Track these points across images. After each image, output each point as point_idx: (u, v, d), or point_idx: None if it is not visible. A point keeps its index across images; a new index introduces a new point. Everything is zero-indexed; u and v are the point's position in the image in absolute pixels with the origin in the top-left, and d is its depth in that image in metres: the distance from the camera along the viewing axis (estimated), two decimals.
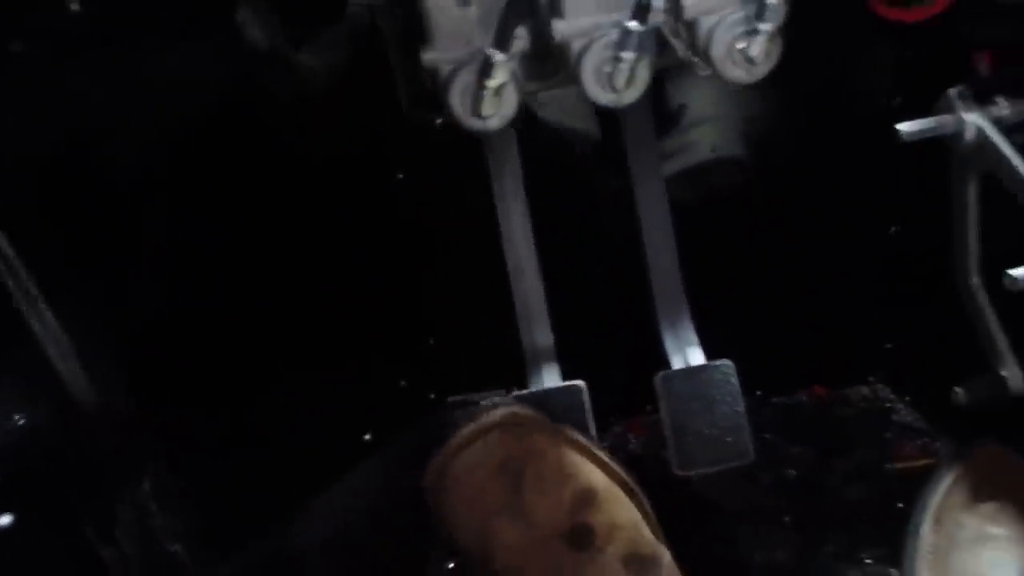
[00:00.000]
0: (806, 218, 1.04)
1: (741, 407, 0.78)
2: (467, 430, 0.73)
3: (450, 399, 1.10)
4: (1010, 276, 0.69)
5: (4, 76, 0.63)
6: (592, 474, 0.72)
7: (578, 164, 0.98)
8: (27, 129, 0.61)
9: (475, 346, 1.03)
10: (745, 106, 1.02)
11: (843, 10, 0.79)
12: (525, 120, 0.88)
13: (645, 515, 0.72)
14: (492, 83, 0.59)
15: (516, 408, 0.73)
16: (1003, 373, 0.79)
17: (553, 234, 0.86)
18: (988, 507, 0.76)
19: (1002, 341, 0.80)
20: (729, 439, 0.78)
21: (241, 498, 0.79)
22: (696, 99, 1.00)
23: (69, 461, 0.59)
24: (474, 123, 0.62)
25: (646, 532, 0.71)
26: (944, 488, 0.79)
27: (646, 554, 0.70)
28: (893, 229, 1.05)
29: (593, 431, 0.78)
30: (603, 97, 0.62)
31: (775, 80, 0.98)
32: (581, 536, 0.69)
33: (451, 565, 0.92)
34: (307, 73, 0.57)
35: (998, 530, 0.75)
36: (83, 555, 0.60)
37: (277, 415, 0.89)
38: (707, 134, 1.01)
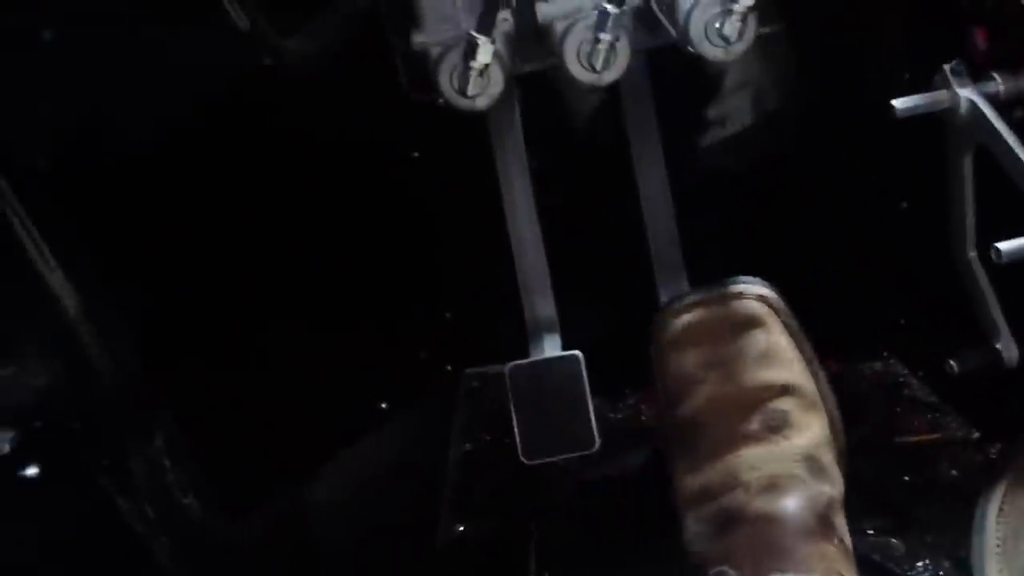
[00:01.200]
0: (821, 193, 1.05)
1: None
2: (729, 288, 0.75)
3: (467, 371, 1.15)
4: (996, 248, 0.70)
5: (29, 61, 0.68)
6: (807, 379, 0.74)
7: (583, 141, 1.00)
8: (41, 111, 0.65)
9: (491, 320, 1.06)
10: (772, 77, 1.03)
11: None
12: (529, 97, 0.92)
13: (838, 445, 0.75)
14: (476, 64, 0.62)
15: (771, 293, 0.76)
16: (997, 345, 0.80)
17: (558, 210, 0.89)
18: None
19: (997, 314, 0.81)
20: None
21: (254, 458, 0.84)
22: (732, 68, 1.01)
23: (84, 417, 0.63)
24: (462, 102, 0.65)
25: (830, 448, 0.73)
26: (1006, 479, 0.78)
27: (822, 460, 0.71)
28: (904, 204, 1.05)
29: (590, 401, 0.80)
30: (584, 77, 0.64)
31: (797, 51, 1.01)
32: (773, 419, 0.71)
33: (460, 528, 0.97)
34: (299, 59, 0.61)
35: None
36: (102, 506, 0.65)
37: (294, 380, 0.93)
38: (744, 102, 1.02)
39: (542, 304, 0.85)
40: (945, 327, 0.98)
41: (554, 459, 0.80)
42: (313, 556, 0.88)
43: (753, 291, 0.75)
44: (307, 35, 0.63)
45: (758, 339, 0.73)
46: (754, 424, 0.70)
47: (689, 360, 0.74)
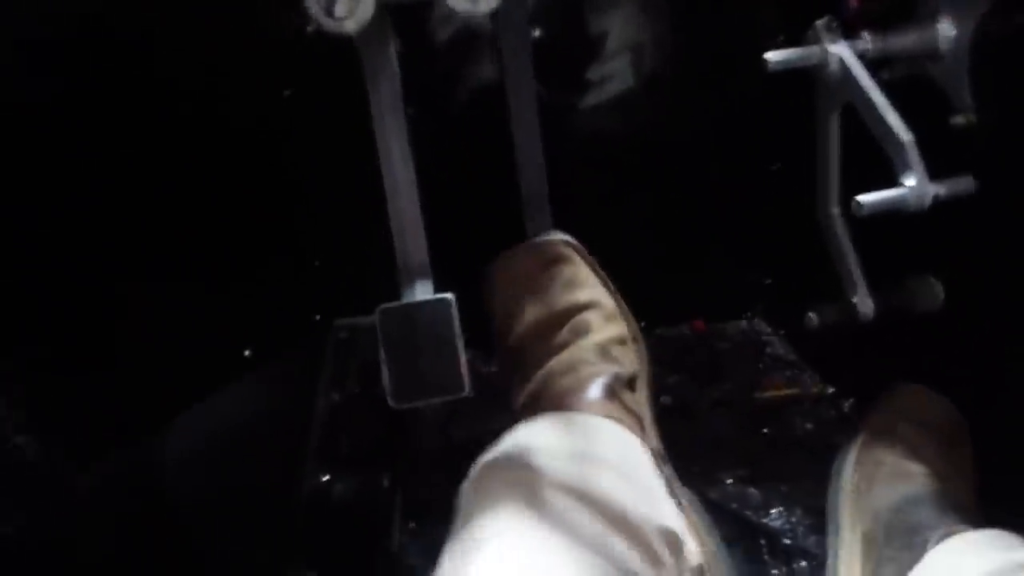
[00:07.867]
0: (696, 154, 1.07)
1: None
2: (539, 240, 0.88)
3: (336, 321, 1.12)
4: (856, 201, 0.72)
5: None
6: (607, 298, 0.84)
7: (459, 86, 0.98)
8: None
9: (361, 269, 1.03)
10: (657, 36, 1.03)
11: None
12: (407, 34, 0.89)
13: (637, 348, 0.85)
14: None
15: (573, 240, 0.88)
16: (854, 300, 0.83)
17: (434, 155, 0.86)
18: (906, 445, 0.80)
19: (855, 269, 0.84)
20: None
21: (104, 403, 0.79)
22: (616, 28, 1.01)
23: None
24: (330, 24, 0.62)
25: (625, 345, 0.83)
26: (864, 433, 0.83)
27: (613, 352, 0.81)
28: (775, 166, 1.07)
29: (461, 345, 0.79)
30: (460, 5, 0.62)
31: (676, 12, 1.01)
32: (578, 327, 0.81)
33: (325, 478, 0.94)
34: None
35: (915, 466, 0.78)
36: None
37: (153, 324, 0.88)
38: (626, 64, 1.02)
39: (415, 248, 0.83)
40: (807, 288, 1.02)
41: (422, 403, 0.78)
42: (165, 507, 0.84)
43: (559, 238, 0.88)
44: None
45: (564, 271, 0.84)
46: (564, 334, 0.81)
47: (511, 297, 0.84)
